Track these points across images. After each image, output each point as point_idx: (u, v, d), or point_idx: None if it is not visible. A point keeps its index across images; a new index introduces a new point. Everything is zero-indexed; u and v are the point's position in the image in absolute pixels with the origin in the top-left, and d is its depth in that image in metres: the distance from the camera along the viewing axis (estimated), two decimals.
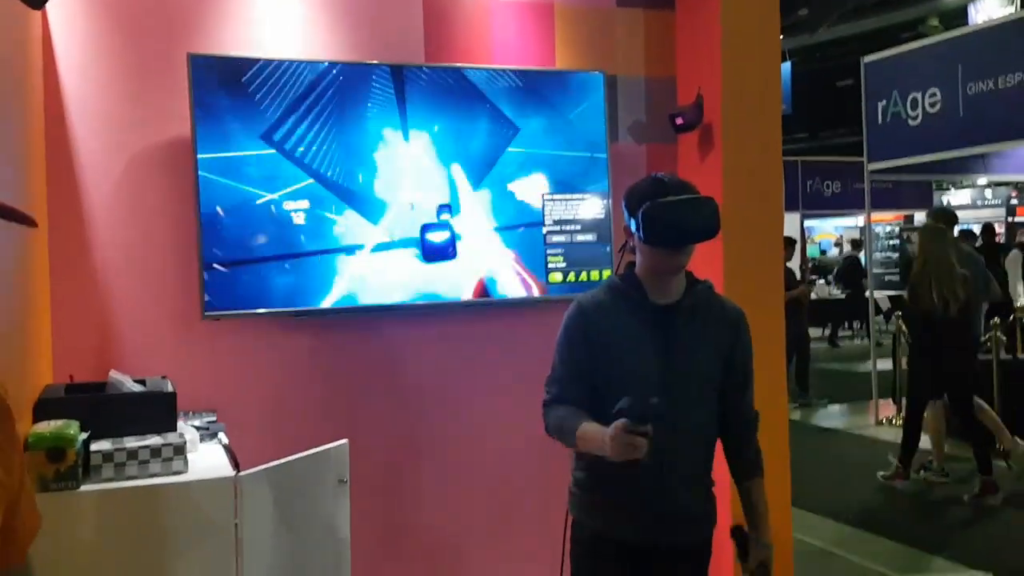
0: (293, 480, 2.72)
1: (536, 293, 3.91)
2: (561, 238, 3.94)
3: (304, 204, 3.55)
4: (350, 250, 3.62)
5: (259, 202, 3.48)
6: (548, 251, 3.93)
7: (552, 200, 3.93)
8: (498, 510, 3.97)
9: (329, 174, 3.59)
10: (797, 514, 4.35)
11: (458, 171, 3.79)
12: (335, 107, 3.60)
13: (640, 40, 4.18)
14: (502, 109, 3.84)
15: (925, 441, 6.70)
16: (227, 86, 3.42)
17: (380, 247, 3.67)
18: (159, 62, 3.45)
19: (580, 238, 3.97)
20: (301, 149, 3.55)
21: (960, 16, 18.94)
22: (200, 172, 3.37)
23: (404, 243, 3.70)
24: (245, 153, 3.46)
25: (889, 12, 19.56)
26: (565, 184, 3.95)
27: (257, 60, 3.49)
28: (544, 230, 3.92)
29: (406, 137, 3.71)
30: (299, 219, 3.54)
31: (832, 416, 9.53)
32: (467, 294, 3.81)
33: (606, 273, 3.88)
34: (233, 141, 3.44)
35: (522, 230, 3.90)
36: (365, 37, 3.76)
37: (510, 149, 3.87)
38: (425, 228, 3.73)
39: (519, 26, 4.00)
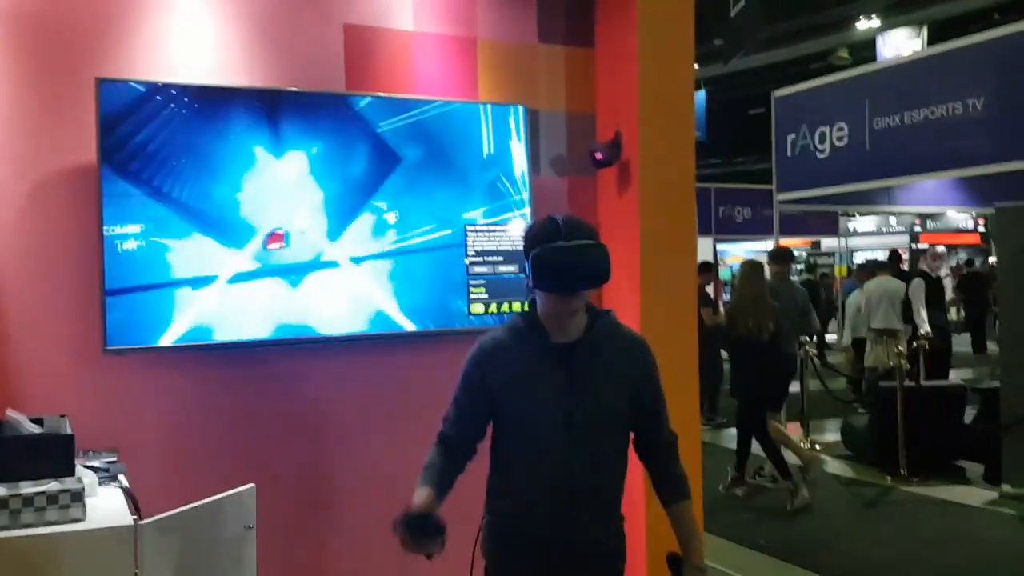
0: (197, 527, 2.62)
1: (409, 328, 3.82)
2: (483, 269, 3.92)
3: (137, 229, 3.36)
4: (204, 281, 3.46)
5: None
6: (471, 281, 3.90)
7: (475, 231, 3.91)
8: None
9: (181, 198, 3.43)
10: (711, 541, 4.38)
11: (334, 197, 3.70)
12: (188, 128, 3.44)
13: (561, 76, 4.21)
14: (388, 141, 3.78)
15: (756, 449, 7.23)
16: (134, 113, 3.31)
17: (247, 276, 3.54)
18: (66, 83, 3.32)
19: (502, 269, 3.95)
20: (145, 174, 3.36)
21: (869, 47, 19.68)
22: (104, 196, 3.25)
23: (278, 271, 3.58)
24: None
25: (800, 43, 20.23)
26: (485, 216, 3.93)
27: (177, 85, 3.39)
28: (467, 260, 3.90)
29: (278, 157, 3.60)
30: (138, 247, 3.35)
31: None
32: (354, 326, 3.72)
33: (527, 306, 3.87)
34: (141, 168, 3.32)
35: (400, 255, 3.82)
36: (284, 63, 3.69)
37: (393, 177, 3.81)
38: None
39: (442, 58, 3.99)
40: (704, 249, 12.86)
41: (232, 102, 3.50)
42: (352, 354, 3.83)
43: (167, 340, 3.39)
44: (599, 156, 4.00)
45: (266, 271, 3.55)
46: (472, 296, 3.91)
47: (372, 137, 3.75)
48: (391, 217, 3.78)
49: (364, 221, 3.75)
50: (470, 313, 3.90)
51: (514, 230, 3.98)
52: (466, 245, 3.91)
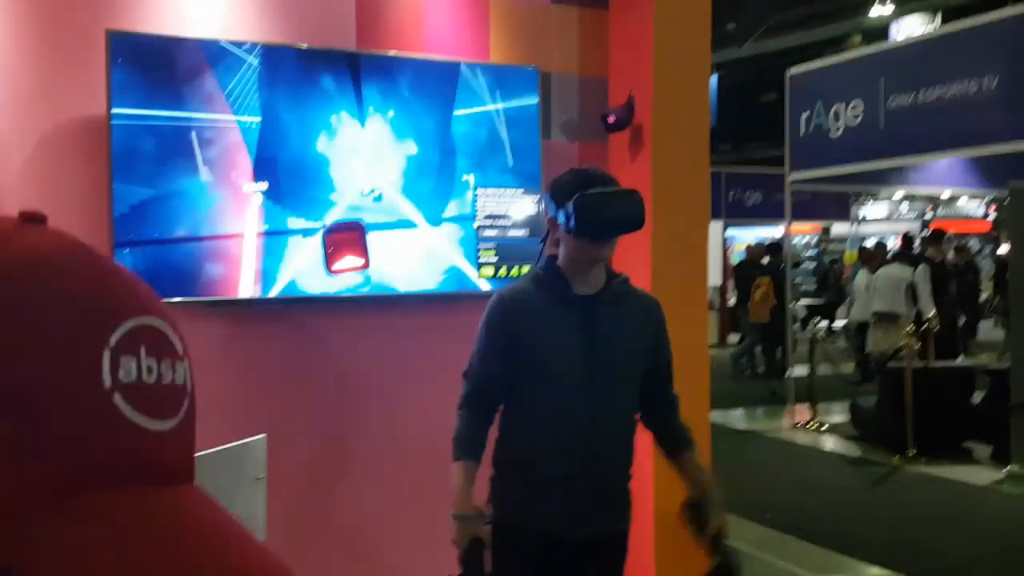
0: (207, 476, 2.59)
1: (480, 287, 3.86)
2: (493, 232, 3.90)
3: (242, 187, 3.44)
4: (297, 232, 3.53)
5: (175, 185, 3.35)
6: (480, 245, 3.88)
7: (485, 194, 3.89)
8: (419, 507, 3.90)
9: (263, 158, 3.48)
10: None
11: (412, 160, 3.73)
12: (271, 91, 3.49)
13: (574, 38, 4.17)
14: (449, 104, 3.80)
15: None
16: (146, 65, 3.29)
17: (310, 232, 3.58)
18: (76, 38, 3.30)
19: (512, 233, 3.93)
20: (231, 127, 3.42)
21: (882, 34, 19.54)
22: (114, 154, 3.23)
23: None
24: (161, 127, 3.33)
25: (813, 28, 20.09)
26: (497, 179, 3.91)
27: (182, 40, 3.37)
28: (475, 224, 3.88)
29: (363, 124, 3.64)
30: (220, 202, 3.42)
31: (749, 419, 9.69)
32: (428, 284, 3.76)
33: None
34: (149, 122, 3.30)
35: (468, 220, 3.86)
36: (295, 20, 3.66)
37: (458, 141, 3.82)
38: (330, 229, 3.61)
39: (453, 18, 3.95)
40: (713, 233, 12.84)
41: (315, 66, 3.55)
42: (371, 313, 3.81)
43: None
44: (611, 120, 3.97)
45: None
46: (480, 260, 3.88)
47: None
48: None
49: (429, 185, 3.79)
50: (480, 276, 3.88)
51: (523, 194, 3.95)
52: (475, 210, 3.88)
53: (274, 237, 3.51)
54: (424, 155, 3.76)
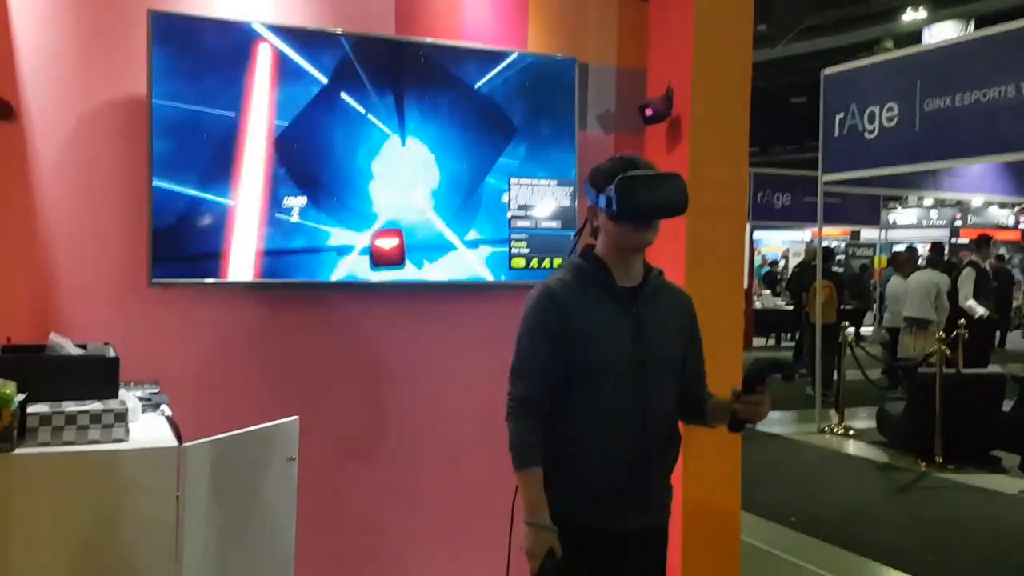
0: (240, 455, 2.61)
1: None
2: (525, 223, 3.88)
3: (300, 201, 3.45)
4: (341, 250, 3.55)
5: (213, 168, 3.35)
6: (512, 235, 3.85)
7: (518, 184, 3.86)
8: (449, 494, 3.90)
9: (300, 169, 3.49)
10: (745, 517, 4.35)
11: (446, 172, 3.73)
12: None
13: (613, 29, 4.14)
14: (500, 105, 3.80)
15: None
16: (187, 48, 3.29)
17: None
18: (118, 17, 3.31)
19: (544, 224, 3.91)
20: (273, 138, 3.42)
21: (915, 39, 19.34)
22: (154, 139, 3.24)
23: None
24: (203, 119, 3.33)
25: (845, 32, 19.91)
26: (530, 169, 3.88)
27: (228, 22, 3.37)
28: (508, 214, 3.85)
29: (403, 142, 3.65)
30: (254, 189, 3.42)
31: (775, 423, 9.61)
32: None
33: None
34: (191, 111, 3.30)
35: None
36: (335, 6, 3.65)
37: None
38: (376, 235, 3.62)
39: (492, 6, 3.93)
40: None
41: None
42: (402, 302, 3.81)
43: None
44: (649, 112, 3.93)
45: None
46: (512, 250, 3.86)
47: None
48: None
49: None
50: (511, 267, 3.86)
51: (557, 185, 3.93)
52: (509, 198, 3.86)
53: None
54: (457, 164, 3.75)
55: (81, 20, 3.27)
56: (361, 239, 3.59)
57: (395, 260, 3.64)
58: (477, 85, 3.77)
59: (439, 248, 3.72)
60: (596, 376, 2.32)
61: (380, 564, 3.81)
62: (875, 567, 5.09)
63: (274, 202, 3.44)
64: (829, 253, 11.90)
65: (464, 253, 3.76)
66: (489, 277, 3.80)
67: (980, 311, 9.24)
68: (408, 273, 3.66)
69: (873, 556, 5.20)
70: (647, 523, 2.41)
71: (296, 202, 3.47)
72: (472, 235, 3.78)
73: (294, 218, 3.46)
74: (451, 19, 3.85)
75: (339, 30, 3.56)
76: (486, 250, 3.80)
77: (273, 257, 3.43)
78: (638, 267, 2.41)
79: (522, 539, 2.30)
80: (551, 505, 2.34)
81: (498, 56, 3.81)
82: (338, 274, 3.54)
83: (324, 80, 3.50)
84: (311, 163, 3.50)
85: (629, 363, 2.32)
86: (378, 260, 3.61)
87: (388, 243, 3.64)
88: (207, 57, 3.32)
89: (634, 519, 2.37)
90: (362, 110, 3.58)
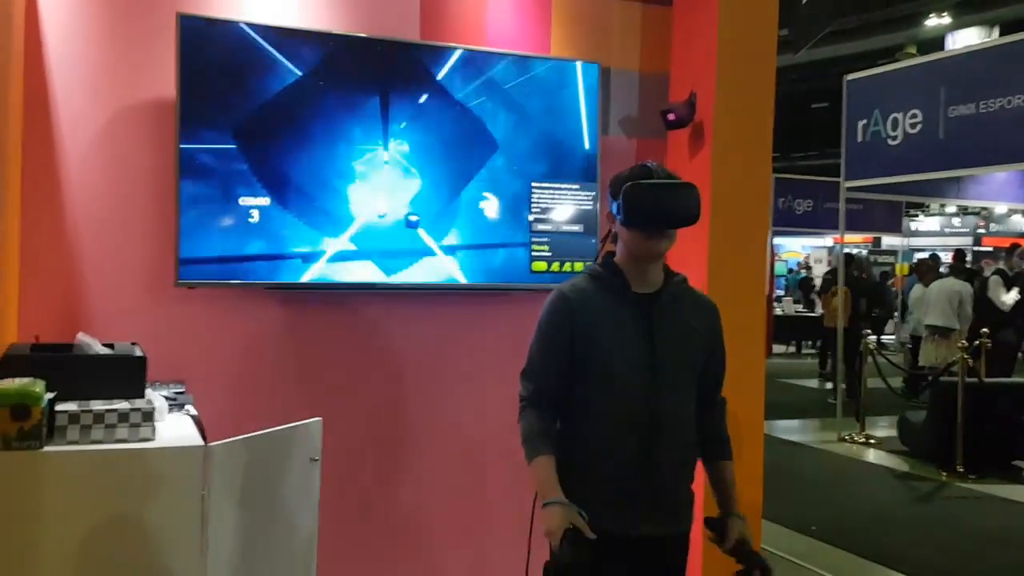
0: (265, 454, 2.63)
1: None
2: (546, 227, 3.89)
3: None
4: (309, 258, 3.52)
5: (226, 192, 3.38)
6: (533, 239, 3.87)
7: (540, 188, 3.87)
8: (471, 494, 3.91)
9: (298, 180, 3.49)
10: (765, 525, 4.34)
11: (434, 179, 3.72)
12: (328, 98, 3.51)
13: (636, 34, 4.15)
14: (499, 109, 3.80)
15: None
16: (216, 52, 3.32)
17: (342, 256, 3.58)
18: (148, 20, 3.35)
19: (566, 228, 3.91)
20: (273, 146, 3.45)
21: (938, 45, 19.21)
22: (183, 143, 3.27)
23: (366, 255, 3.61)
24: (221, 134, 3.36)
25: (868, 38, 19.79)
26: (552, 174, 3.89)
27: (252, 25, 3.40)
28: (530, 217, 3.86)
29: (386, 146, 3.63)
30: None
31: (796, 430, 9.57)
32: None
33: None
34: (216, 115, 3.34)
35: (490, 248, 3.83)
36: (362, 12, 3.68)
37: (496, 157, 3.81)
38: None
39: (516, 11, 3.95)
40: None
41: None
42: (426, 304, 3.84)
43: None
44: (672, 117, 3.93)
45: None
46: (533, 253, 3.87)
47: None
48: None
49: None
50: (532, 271, 3.87)
51: (579, 189, 3.94)
52: (530, 202, 3.87)
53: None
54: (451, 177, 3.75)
55: (109, 23, 3.31)
56: (335, 244, 3.57)
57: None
58: (503, 87, 3.79)
59: (415, 254, 3.69)
60: (607, 381, 2.33)
61: (403, 563, 3.83)
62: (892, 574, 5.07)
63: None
64: (852, 259, 11.91)
65: (441, 259, 3.73)
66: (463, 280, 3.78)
67: (1010, 301, 9.35)
68: (402, 277, 3.66)
69: (893, 565, 5.17)
70: (663, 530, 2.39)
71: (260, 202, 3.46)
72: (450, 240, 3.74)
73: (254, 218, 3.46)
74: (475, 26, 3.87)
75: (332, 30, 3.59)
76: (462, 255, 3.76)
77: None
78: (656, 273, 2.41)
79: (542, 523, 2.27)
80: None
81: (521, 60, 3.83)
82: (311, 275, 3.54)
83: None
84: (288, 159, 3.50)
85: (641, 369, 2.32)
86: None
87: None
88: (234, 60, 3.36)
89: (649, 525, 2.35)
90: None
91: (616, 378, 2.33)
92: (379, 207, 3.60)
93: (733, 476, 2.50)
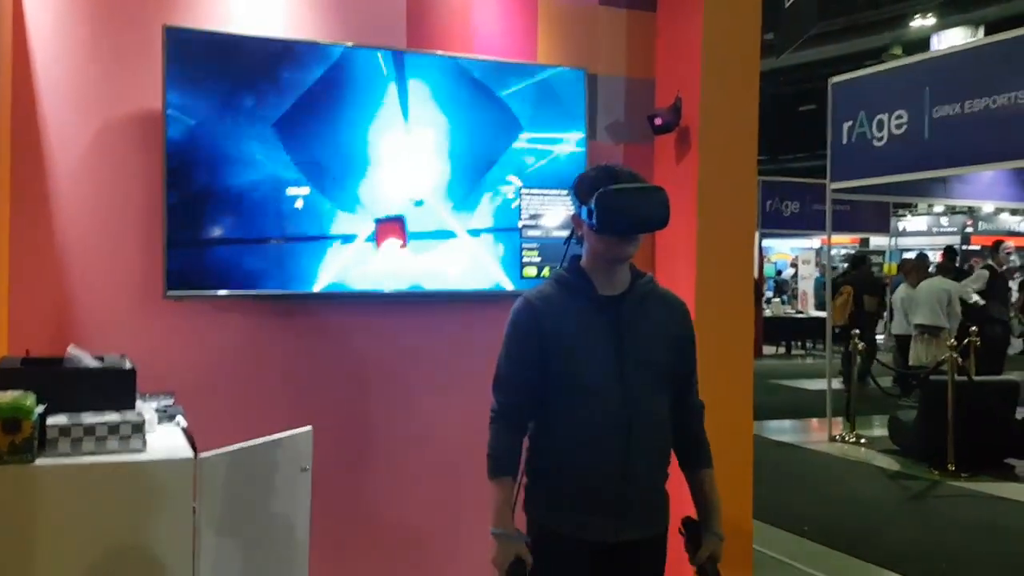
0: (255, 465, 2.64)
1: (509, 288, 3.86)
2: (536, 233, 3.90)
3: (300, 190, 3.49)
4: (345, 239, 3.57)
5: (234, 186, 3.39)
6: (523, 245, 3.88)
7: (529, 195, 3.89)
8: (461, 503, 3.91)
9: (313, 162, 3.52)
10: (757, 526, 4.35)
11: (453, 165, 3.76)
12: (328, 95, 3.54)
13: (622, 40, 4.17)
14: (510, 106, 3.83)
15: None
16: (204, 62, 3.33)
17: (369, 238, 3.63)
18: (134, 33, 3.35)
19: (556, 234, 3.93)
20: (287, 135, 3.47)
21: (924, 46, 19.31)
22: (168, 150, 3.28)
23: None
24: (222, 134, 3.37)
25: (853, 39, 19.88)
26: (541, 180, 3.91)
27: (240, 37, 3.41)
28: (520, 224, 3.88)
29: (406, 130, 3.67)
30: (284, 206, 3.48)
31: (787, 431, 9.60)
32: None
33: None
34: (208, 120, 3.34)
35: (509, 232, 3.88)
36: (347, 18, 3.70)
37: (515, 145, 3.86)
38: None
39: (502, 18, 3.97)
40: None
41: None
42: (418, 309, 3.86)
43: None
44: (658, 122, 3.96)
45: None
46: (524, 259, 3.89)
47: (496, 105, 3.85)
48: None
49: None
50: (523, 276, 3.89)
51: (567, 195, 3.95)
52: (520, 208, 3.88)
53: (316, 241, 3.54)
54: (465, 161, 3.78)
55: (96, 36, 3.32)
56: (364, 227, 3.61)
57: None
58: (496, 94, 3.81)
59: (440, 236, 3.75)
60: (578, 386, 2.32)
61: (394, 570, 3.82)
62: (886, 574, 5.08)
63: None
64: (860, 260, 12.05)
65: (465, 241, 3.78)
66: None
67: (975, 297, 9.43)
68: (413, 267, 3.70)
69: (886, 565, 5.18)
70: (639, 534, 2.38)
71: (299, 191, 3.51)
72: (475, 223, 3.79)
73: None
74: (461, 33, 3.89)
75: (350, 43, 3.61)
76: (488, 238, 3.83)
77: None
78: (623, 275, 2.39)
79: (490, 551, 2.33)
80: (539, 517, 2.38)
81: (513, 68, 3.86)
82: (338, 264, 3.57)
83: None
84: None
85: (612, 372, 2.31)
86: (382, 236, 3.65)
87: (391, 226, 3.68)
88: (219, 70, 3.38)
89: (624, 530, 2.35)
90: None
91: (588, 384, 2.32)
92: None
93: (713, 487, 2.48)
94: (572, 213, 2.44)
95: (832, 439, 8.90)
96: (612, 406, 2.31)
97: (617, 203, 2.27)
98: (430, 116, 3.71)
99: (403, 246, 3.67)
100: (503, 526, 2.32)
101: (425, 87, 3.69)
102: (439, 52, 3.75)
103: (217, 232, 3.38)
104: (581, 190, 2.37)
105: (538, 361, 2.34)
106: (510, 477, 2.37)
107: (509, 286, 3.85)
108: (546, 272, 3.90)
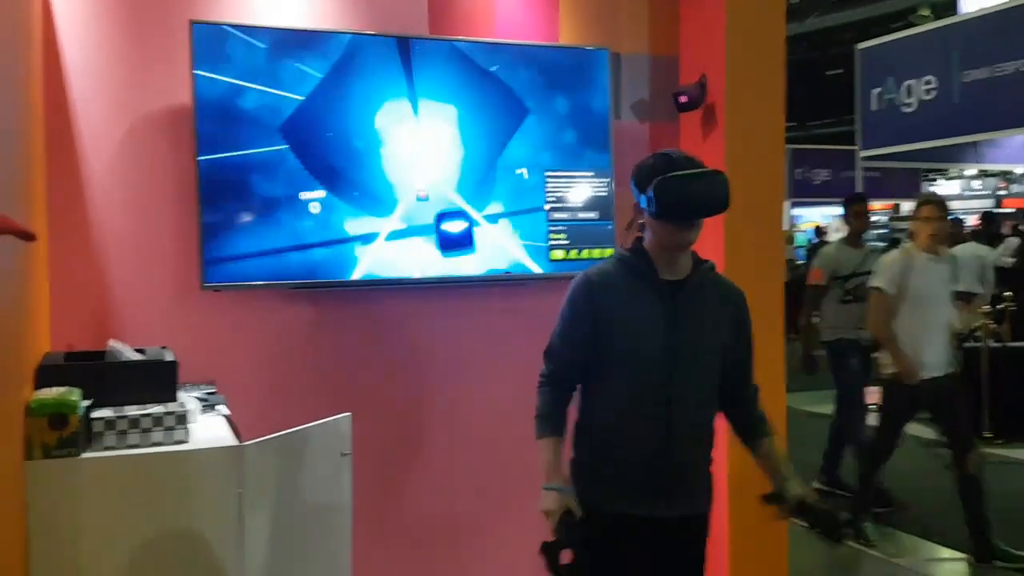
0: (297, 451, 2.70)
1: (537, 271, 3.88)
2: (563, 215, 3.92)
3: (318, 194, 3.52)
4: (366, 239, 3.59)
5: (262, 187, 3.44)
6: (550, 228, 3.89)
7: (554, 177, 3.90)
8: (500, 485, 3.95)
9: (333, 164, 3.55)
10: None
11: (470, 154, 3.76)
12: (347, 87, 3.56)
13: (645, 18, 4.15)
14: (513, 89, 3.81)
15: None
16: (231, 56, 3.37)
17: (394, 235, 3.64)
18: (162, 27, 3.39)
19: (582, 216, 3.94)
20: (306, 136, 3.50)
21: (950, 8, 18.94)
22: (200, 144, 3.32)
23: (418, 231, 3.68)
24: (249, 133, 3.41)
25: (879, 2, 19.54)
26: (567, 162, 3.92)
27: (265, 28, 3.44)
28: (546, 206, 3.89)
29: (416, 119, 3.67)
30: (312, 209, 3.51)
31: (820, 401, 9.53)
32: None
33: (608, 252, 3.85)
34: (236, 117, 3.38)
35: (528, 213, 3.87)
36: (366, 5, 3.71)
37: (519, 131, 3.84)
38: (440, 217, 3.70)
39: (524, 1, 3.96)
40: None
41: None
42: (454, 296, 3.89)
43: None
44: (683, 99, 3.94)
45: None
46: (551, 242, 3.89)
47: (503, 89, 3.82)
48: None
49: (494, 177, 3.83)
50: (550, 259, 3.90)
51: (593, 176, 3.96)
52: (545, 191, 3.89)
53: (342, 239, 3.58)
54: (486, 147, 3.79)
55: (125, 32, 3.36)
56: (385, 224, 3.64)
57: (464, 243, 3.73)
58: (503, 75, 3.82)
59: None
60: (625, 365, 2.38)
61: (434, 554, 3.89)
62: (924, 544, 5.07)
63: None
64: None
65: (485, 228, 3.79)
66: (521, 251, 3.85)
67: (1009, 261, 9.32)
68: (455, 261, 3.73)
69: (922, 534, 5.20)
70: (679, 511, 2.43)
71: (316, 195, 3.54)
72: (492, 209, 3.80)
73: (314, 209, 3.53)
74: (483, 16, 3.89)
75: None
76: (506, 223, 3.84)
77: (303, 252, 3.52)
78: (685, 261, 2.44)
79: (540, 501, 2.40)
80: (581, 491, 2.42)
81: (530, 49, 3.86)
82: (373, 253, 3.60)
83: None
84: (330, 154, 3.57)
85: (660, 354, 2.36)
86: (446, 245, 3.70)
87: (456, 226, 3.72)
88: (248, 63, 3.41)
89: (664, 507, 2.40)
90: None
91: (636, 363, 2.38)
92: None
93: (777, 448, 2.54)
94: (634, 202, 2.47)
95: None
96: (655, 387, 2.37)
97: (676, 190, 2.31)
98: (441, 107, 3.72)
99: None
100: (554, 479, 2.41)
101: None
102: (451, 38, 3.75)
103: (251, 222, 3.42)
104: (640, 178, 2.41)
105: (590, 335, 2.41)
106: (557, 436, 2.45)
107: (537, 269, 3.87)
108: (572, 254, 3.92)
